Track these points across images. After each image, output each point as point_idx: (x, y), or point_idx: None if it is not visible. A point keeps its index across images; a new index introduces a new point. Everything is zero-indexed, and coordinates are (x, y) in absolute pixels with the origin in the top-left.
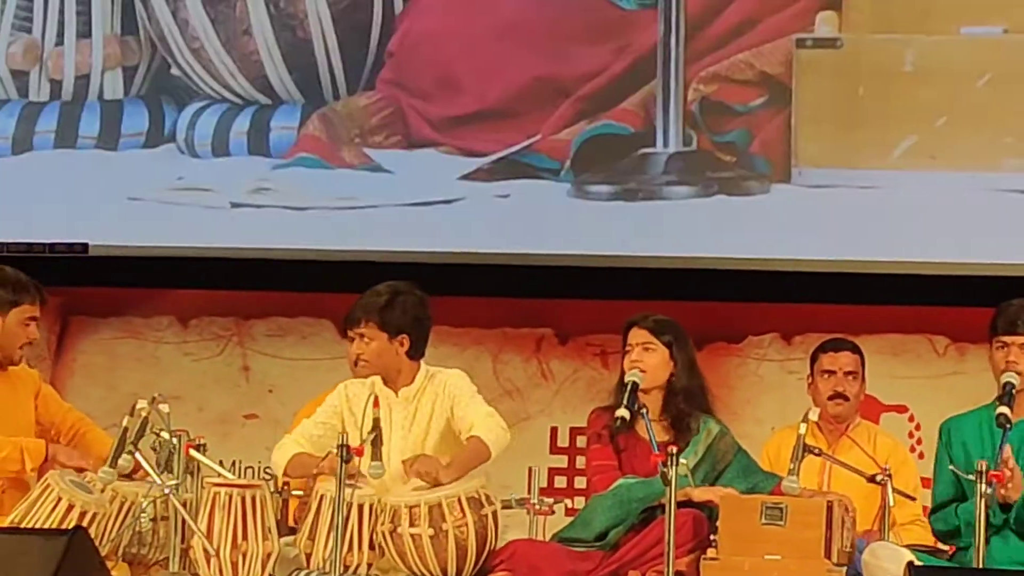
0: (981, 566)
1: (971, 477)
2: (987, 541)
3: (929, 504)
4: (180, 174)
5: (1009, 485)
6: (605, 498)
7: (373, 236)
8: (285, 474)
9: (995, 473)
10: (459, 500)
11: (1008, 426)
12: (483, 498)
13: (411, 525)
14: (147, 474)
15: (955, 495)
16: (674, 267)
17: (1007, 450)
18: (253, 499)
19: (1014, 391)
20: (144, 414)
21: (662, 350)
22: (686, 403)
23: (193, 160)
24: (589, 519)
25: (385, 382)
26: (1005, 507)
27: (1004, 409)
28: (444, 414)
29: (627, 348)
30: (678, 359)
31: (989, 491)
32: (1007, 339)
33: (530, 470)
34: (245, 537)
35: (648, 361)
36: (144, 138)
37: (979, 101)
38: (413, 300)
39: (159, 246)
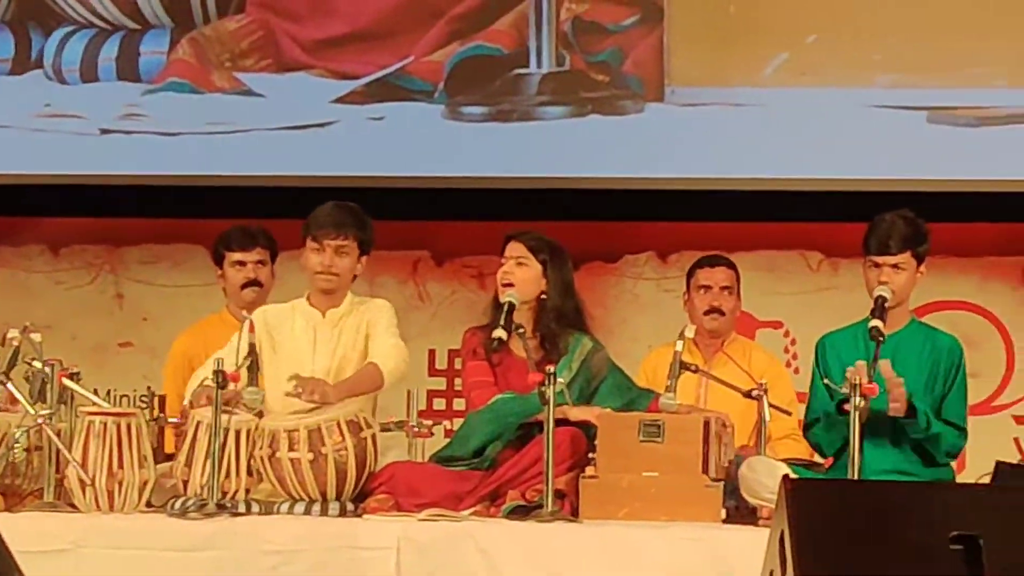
0: (856, 476)
1: (844, 391)
2: (861, 452)
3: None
4: (48, 101)
5: (896, 400)
6: (482, 414)
7: (246, 161)
8: (191, 405)
9: (868, 386)
10: (338, 424)
11: (881, 339)
12: (362, 422)
13: (290, 449)
14: (19, 404)
15: (830, 409)
16: (549, 187)
17: (885, 364)
18: (128, 427)
19: (886, 305)
20: (15, 344)
21: (535, 266)
22: (557, 323)
23: (61, 86)
24: (467, 435)
25: (312, 302)
26: (875, 414)
27: (877, 322)
28: (361, 340)
29: (502, 261)
30: (551, 278)
31: (861, 403)
32: (879, 259)
33: (408, 392)
34: (121, 465)
35: (518, 275)
36: (10, 64)
37: (850, 17)
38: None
39: (28, 174)
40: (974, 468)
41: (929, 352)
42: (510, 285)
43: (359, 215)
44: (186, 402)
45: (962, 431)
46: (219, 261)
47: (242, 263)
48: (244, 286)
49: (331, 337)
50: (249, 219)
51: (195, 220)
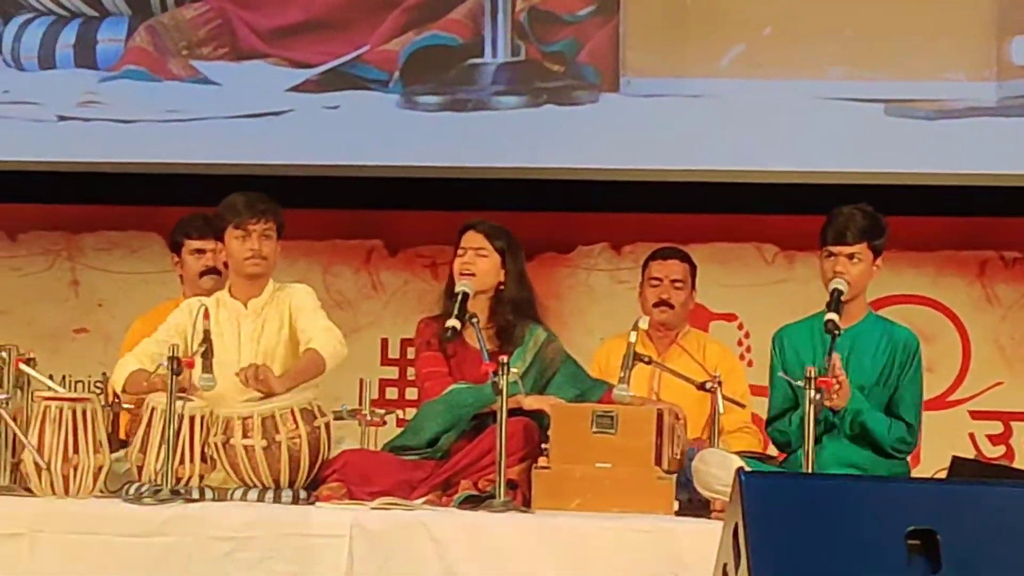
0: (810, 470)
1: (800, 384)
2: (818, 443)
3: (758, 412)
4: (5, 87)
5: (835, 395)
6: (436, 404)
7: (202, 148)
8: (124, 391)
9: (823, 380)
10: (292, 412)
11: (836, 332)
12: (315, 409)
13: (244, 436)
14: None
15: (791, 404)
16: (504, 177)
17: (835, 358)
18: (84, 412)
19: (842, 298)
20: None
21: (495, 256)
22: (513, 313)
23: (19, 73)
24: (420, 426)
25: (233, 292)
26: (836, 412)
27: (832, 315)
28: (285, 325)
29: (459, 251)
30: (509, 268)
31: (818, 397)
32: (835, 249)
33: (361, 381)
34: (76, 450)
35: (480, 266)
36: None
37: (804, 11)
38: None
39: None
40: (930, 463)
41: (885, 345)
42: (471, 275)
43: (272, 201)
44: (119, 387)
45: (911, 426)
46: (176, 249)
47: (201, 251)
48: (202, 274)
49: (255, 327)
50: (205, 207)
51: (151, 207)
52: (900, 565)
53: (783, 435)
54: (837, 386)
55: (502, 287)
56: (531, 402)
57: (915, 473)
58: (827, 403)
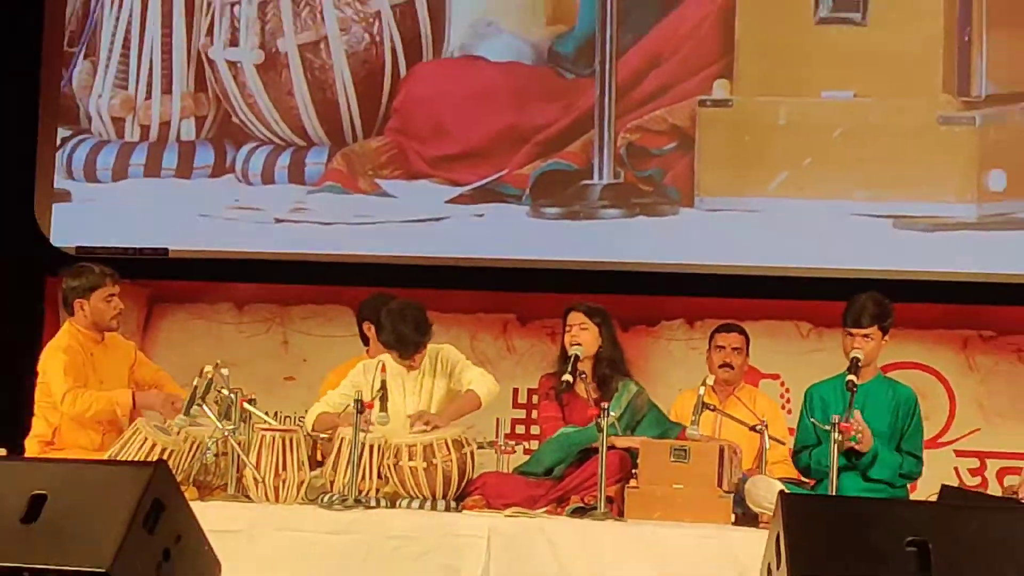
0: (834, 493)
1: (827, 428)
2: (839, 475)
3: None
4: (236, 197)
5: (860, 441)
6: (552, 442)
7: (382, 245)
8: (313, 429)
9: (844, 424)
10: (446, 442)
11: (854, 389)
12: (464, 440)
13: (410, 459)
14: (212, 421)
15: (813, 442)
16: (606, 269)
17: (857, 414)
18: (290, 440)
19: (859, 364)
20: (209, 376)
21: (593, 328)
22: (609, 368)
23: (247, 186)
24: (540, 458)
25: (403, 359)
26: (850, 453)
27: (852, 377)
28: (444, 378)
29: (567, 327)
30: (604, 335)
31: (839, 437)
32: (853, 331)
33: (497, 420)
34: (284, 468)
35: (583, 337)
36: (210, 170)
37: (835, 147)
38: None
39: (221, 251)
40: (924, 490)
41: (891, 399)
42: (578, 344)
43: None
44: (308, 427)
45: (918, 459)
46: (360, 323)
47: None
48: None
49: (417, 378)
50: (384, 288)
51: (343, 288)
52: (901, 567)
53: (804, 463)
54: (860, 435)
55: (601, 350)
56: (624, 441)
57: (912, 497)
58: (856, 447)
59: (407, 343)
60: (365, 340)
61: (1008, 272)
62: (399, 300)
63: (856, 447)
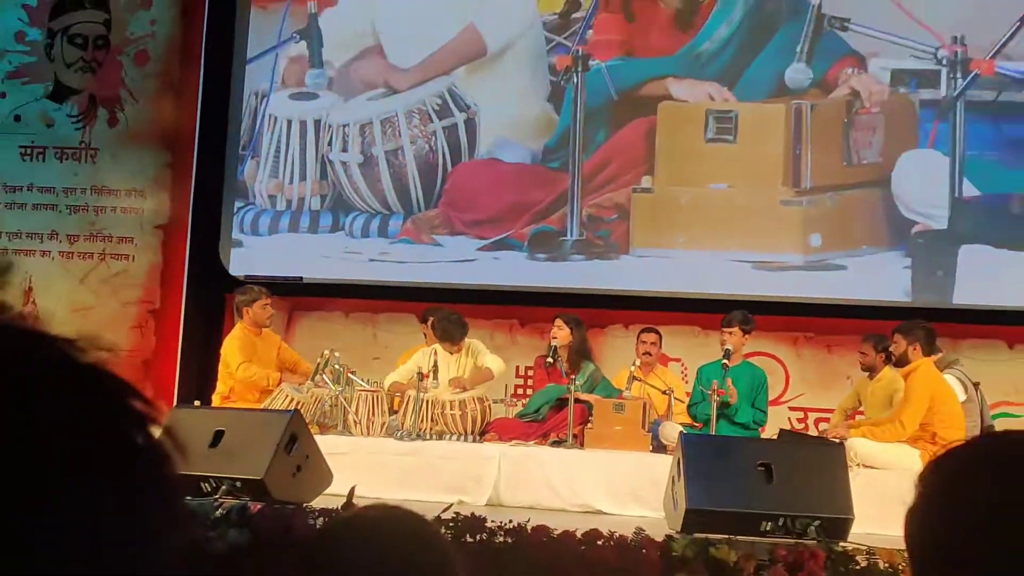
0: (713, 433)
1: (709, 392)
2: (717, 422)
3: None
4: (346, 246)
5: (731, 398)
6: (540, 393)
7: (436, 276)
8: (388, 391)
9: (720, 390)
10: (473, 398)
11: (726, 368)
12: (484, 398)
13: (451, 409)
14: (328, 385)
15: (700, 399)
16: (576, 293)
17: (728, 382)
18: (377, 397)
19: (730, 352)
20: (327, 357)
21: (568, 329)
22: (578, 355)
23: (352, 239)
24: (532, 403)
25: (448, 347)
26: (723, 407)
27: (725, 361)
28: (472, 360)
29: (554, 327)
30: (576, 334)
31: (717, 399)
32: (726, 330)
33: (505, 386)
34: (374, 415)
35: (561, 334)
36: (330, 228)
37: (717, 219)
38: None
39: (336, 279)
40: (769, 431)
41: (750, 375)
42: (557, 337)
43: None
44: (386, 389)
45: (765, 413)
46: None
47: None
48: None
49: (458, 362)
50: (436, 303)
51: (411, 303)
52: (754, 479)
53: (694, 414)
54: (730, 396)
55: (573, 343)
56: (585, 397)
57: (763, 435)
58: (727, 399)
59: (452, 337)
60: (424, 335)
61: (822, 297)
62: (446, 310)
63: (728, 403)
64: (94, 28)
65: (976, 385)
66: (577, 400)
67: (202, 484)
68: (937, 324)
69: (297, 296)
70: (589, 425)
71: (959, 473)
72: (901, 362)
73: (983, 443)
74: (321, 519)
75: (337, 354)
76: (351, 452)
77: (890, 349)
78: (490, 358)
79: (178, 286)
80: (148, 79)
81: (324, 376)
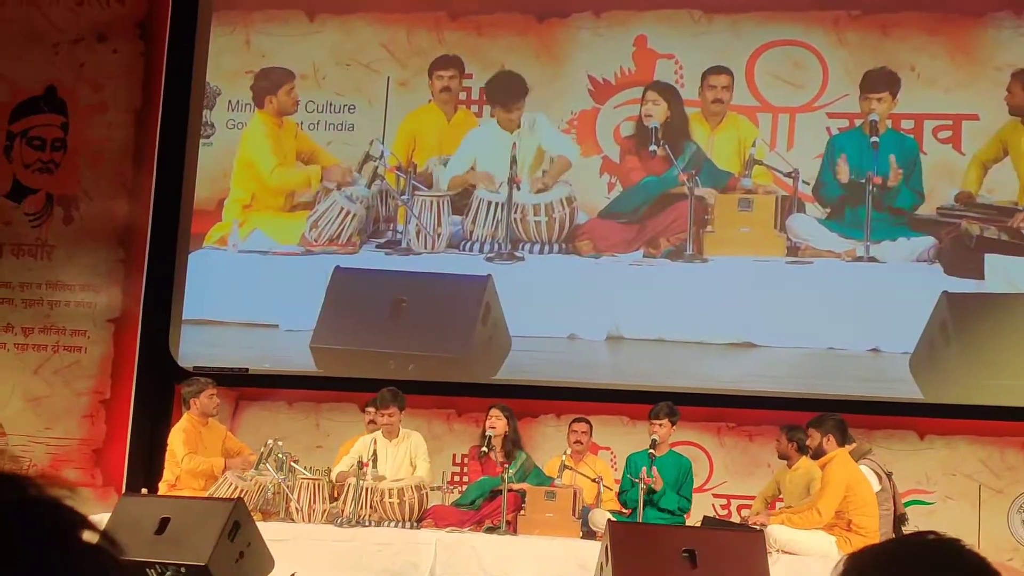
0: (640, 520)
1: (637, 480)
2: (644, 508)
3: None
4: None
5: (655, 486)
6: (475, 485)
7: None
8: (336, 481)
9: (647, 478)
10: (411, 486)
11: (653, 457)
12: (423, 485)
13: (389, 497)
14: (271, 473)
15: (629, 487)
16: (511, 385)
17: (655, 470)
18: (319, 484)
19: (656, 442)
20: (271, 446)
21: (504, 419)
22: (511, 444)
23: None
24: (468, 494)
25: (386, 435)
26: (650, 494)
27: (652, 450)
28: (409, 455)
29: (488, 417)
30: (510, 424)
31: (644, 486)
32: (654, 421)
33: (443, 472)
34: (315, 502)
35: (496, 424)
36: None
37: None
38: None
39: (279, 370)
40: (694, 519)
41: (676, 463)
42: (493, 428)
43: (398, 394)
44: (333, 477)
45: (689, 500)
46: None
47: (373, 417)
48: (369, 423)
49: (396, 453)
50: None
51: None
52: (679, 566)
53: (623, 501)
54: (655, 483)
55: (507, 433)
56: (518, 486)
57: (687, 523)
58: (654, 486)
59: (386, 400)
60: (365, 426)
61: (742, 390)
62: (384, 389)
63: (655, 488)
64: (52, 131)
65: (889, 475)
66: (511, 489)
67: (148, 570)
68: (851, 415)
69: (243, 387)
70: (522, 512)
71: (870, 572)
72: (817, 454)
73: (894, 545)
74: None
75: (280, 443)
76: (292, 538)
77: (806, 443)
78: (422, 466)
79: (128, 377)
80: (103, 179)
81: (267, 464)
